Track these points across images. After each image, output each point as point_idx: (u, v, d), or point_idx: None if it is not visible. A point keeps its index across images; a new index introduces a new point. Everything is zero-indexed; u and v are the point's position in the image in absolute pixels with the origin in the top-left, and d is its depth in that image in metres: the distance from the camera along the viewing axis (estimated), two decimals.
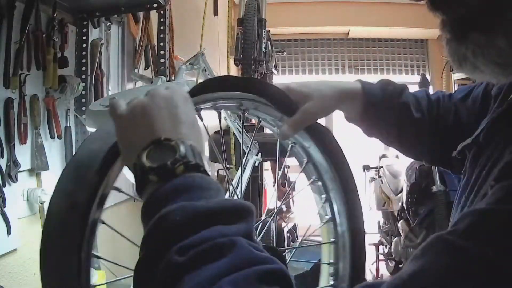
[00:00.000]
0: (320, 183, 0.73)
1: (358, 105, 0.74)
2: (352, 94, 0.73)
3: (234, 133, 1.56)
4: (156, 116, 0.46)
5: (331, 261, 0.74)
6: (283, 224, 3.45)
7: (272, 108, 0.65)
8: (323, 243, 0.75)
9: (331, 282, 0.73)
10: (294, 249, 0.97)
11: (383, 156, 4.36)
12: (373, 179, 4.32)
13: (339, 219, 0.72)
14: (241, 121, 0.64)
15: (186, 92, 0.51)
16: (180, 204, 0.39)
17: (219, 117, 0.63)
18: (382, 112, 0.74)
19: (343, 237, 0.72)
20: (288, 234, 3.52)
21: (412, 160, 3.56)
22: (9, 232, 1.04)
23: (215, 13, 2.55)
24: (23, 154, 1.13)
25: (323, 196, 0.73)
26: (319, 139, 0.71)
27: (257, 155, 1.28)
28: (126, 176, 1.44)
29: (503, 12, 0.43)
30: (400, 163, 4.02)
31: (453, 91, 0.79)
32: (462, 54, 0.46)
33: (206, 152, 2.40)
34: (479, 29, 0.44)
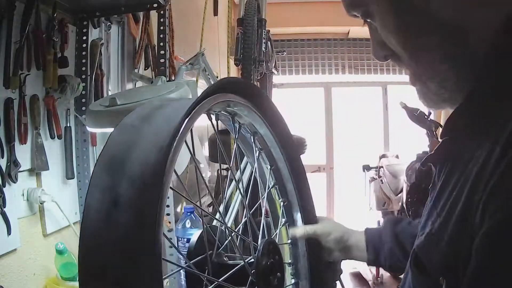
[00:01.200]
0: (278, 186, 0.77)
1: (368, 256, 0.84)
2: (360, 247, 0.83)
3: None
4: None
5: (290, 261, 0.78)
6: None
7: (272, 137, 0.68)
8: (283, 244, 0.78)
9: (293, 281, 0.76)
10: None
11: (383, 156, 4.36)
12: (373, 179, 4.32)
13: (296, 222, 0.77)
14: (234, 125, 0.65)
15: None
16: None
17: (217, 119, 0.63)
18: (388, 253, 0.83)
19: (300, 239, 0.77)
20: None
21: (412, 160, 3.56)
22: (9, 232, 1.04)
23: (215, 13, 2.55)
24: (23, 154, 1.13)
25: (281, 200, 0.77)
26: (287, 153, 0.75)
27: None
28: None
29: (421, 62, 0.54)
30: (400, 163, 4.02)
31: None
32: (433, 101, 0.57)
33: (206, 152, 2.40)
34: (430, 79, 0.55)
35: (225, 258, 0.60)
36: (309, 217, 0.78)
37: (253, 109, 0.65)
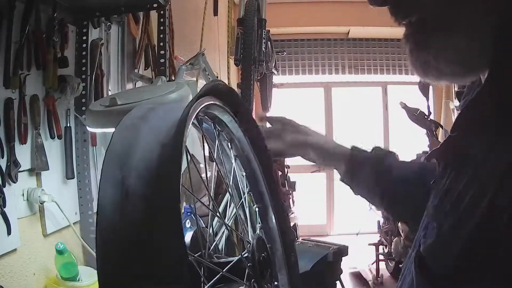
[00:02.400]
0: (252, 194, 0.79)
1: (344, 165, 0.85)
2: (341, 155, 0.87)
3: None
4: None
5: None
6: None
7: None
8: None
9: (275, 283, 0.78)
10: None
11: None
12: None
13: (270, 223, 0.80)
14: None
15: None
16: None
17: (201, 123, 0.64)
18: (364, 174, 0.84)
19: (275, 241, 0.79)
20: None
21: (412, 160, 3.57)
22: (9, 232, 1.04)
23: (215, 13, 2.55)
24: (23, 154, 1.13)
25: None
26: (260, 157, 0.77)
27: None
28: None
29: (461, 10, 0.44)
30: None
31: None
32: (424, 60, 0.47)
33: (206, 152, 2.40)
34: (439, 31, 0.46)
35: (215, 259, 0.61)
36: (282, 217, 0.80)
37: (230, 113, 0.66)
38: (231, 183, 0.72)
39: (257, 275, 0.58)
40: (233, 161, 0.72)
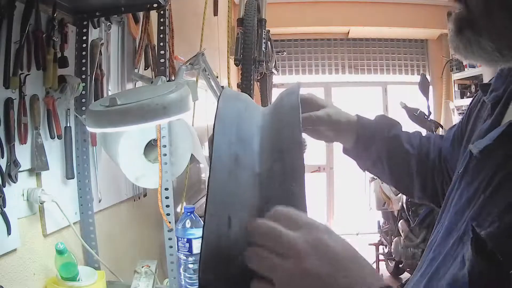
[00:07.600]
0: None
1: (352, 136, 0.83)
2: (348, 125, 0.83)
3: None
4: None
5: None
6: None
7: None
8: None
9: None
10: None
11: None
12: (373, 179, 4.32)
13: None
14: None
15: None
16: None
17: None
18: (374, 143, 0.82)
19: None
20: None
21: None
22: (9, 232, 1.04)
23: (215, 13, 2.55)
24: (23, 154, 1.13)
25: None
26: None
27: None
28: (126, 176, 1.43)
29: (490, 15, 0.49)
30: None
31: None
32: (456, 44, 0.55)
33: (206, 152, 2.40)
34: (471, 28, 0.52)
35: None
36: None
37: None
38: None
39: None
40: None
